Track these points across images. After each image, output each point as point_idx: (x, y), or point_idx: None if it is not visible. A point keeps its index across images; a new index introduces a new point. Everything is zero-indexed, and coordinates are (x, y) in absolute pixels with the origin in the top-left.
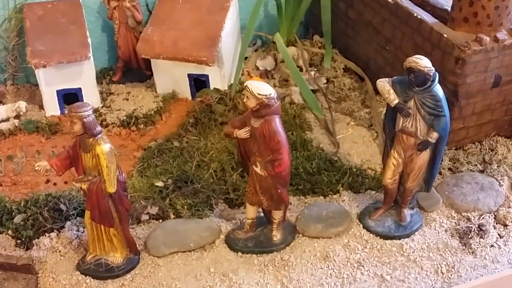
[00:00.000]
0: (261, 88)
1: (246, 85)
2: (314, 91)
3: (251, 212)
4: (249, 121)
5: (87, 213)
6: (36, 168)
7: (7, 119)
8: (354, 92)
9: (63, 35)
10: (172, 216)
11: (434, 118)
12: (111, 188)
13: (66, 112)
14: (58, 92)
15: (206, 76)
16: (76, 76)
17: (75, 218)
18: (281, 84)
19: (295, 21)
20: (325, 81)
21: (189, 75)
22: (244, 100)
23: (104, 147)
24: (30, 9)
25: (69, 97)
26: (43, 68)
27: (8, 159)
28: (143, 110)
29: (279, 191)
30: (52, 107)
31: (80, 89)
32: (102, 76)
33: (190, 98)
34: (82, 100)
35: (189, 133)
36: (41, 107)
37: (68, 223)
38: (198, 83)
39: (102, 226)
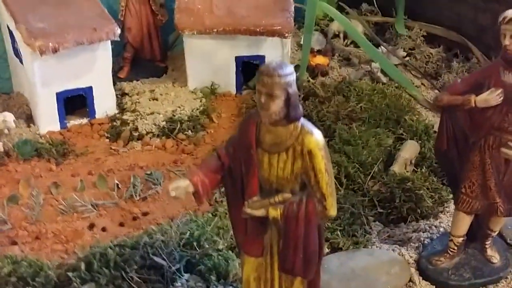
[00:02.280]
0: None
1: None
2: None
3: (465, 225)
4: (495, 79)
5: (251, 262)
6: (173, 195)
7: None
8: (449, 63)
9: (67, 7)
10: (326, 249)
11: None
12: (334, 209)
13: (68, 124)
14: (58, 95)
15: (262, 58)
16: (85, 69)
17: (181, 276)
18: (341, 64)
19: None
20: (404, 53)
21: (237, 58)
22: (506, 42)
23: (318, 136)
24: None
25: (70, 104)
26: (40, 58)
27: (11, 202)
28: (185, 111)
29: None
30: (49, 119)
31: (90, 88)
32: None
33: (234, 91)
34: (92, 106)
35: None
36: (28, 120)
37: (178, 285)
38: (246, 69)
39: (280, 279)
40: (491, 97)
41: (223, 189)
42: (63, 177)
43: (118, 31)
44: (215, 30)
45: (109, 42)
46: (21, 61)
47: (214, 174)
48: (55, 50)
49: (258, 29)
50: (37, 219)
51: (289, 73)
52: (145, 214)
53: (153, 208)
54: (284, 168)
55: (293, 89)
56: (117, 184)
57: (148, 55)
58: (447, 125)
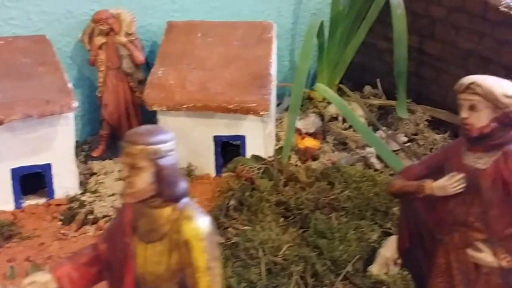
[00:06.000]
0: (506, 86)
1: (474, 82)
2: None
3: None
4: (457, 161)
5: None
6: None
7: None
8: None
9: (29, 80)
10: None
11: None
12: None
13: (24, 204)
14: (14, 172)
15: (242, 138)
16: (44, 145)
17: None
18: (337, 149)
19: (340, 68)
20: (404, 139)
21: (216, 138)
22: (464, 115)
23: (200, 223)
24: None
25: (27, 181)
26: None
27: None
28: None
29: None
30: (2, 197)
31: (49, 165)
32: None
33: (213, 174)
34: (51, 185)
35: (234, 221)
36: None
37: None
38: (225, 150)
39: None
40: (450, 183)
41: None
42: None
43: (75, 104)
44: (185, 106)
45: (70, 117)
46: None
47: (87, 268)
48: (0, 123)
49: (231, 106)
50: None
51: (160, 141)
52: None
53: None
54: (159, 262)
55: (168, 161)
56: None
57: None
58: (408, 218)
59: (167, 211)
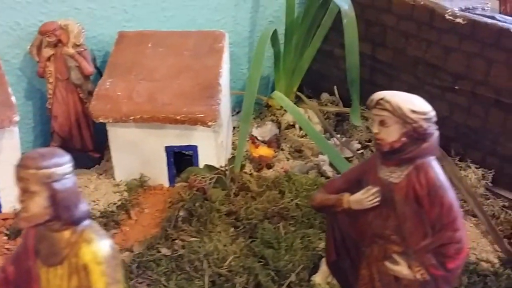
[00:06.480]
0: (415, 102)
1: (383, 98)
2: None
3: None
4: (373, 175)
5: None
6: None
7: None
8: None
9: None
10: None
11: None
12: None
13: None
14: None
15: (194, 148)
16: None
17: None
18: (293, 157)
19: (297, 76)
20: (358, 146)
21: (168, 149)
22: (375, 130)
23: (99, 246)
24: None
25: None
26: None
27: None
28: (99, 206)
29: None
30: None
31: None
32: None
33: (167, 184)
34: None
35: (183, 233)
36: None
37: None
38: (180, 160)
39: None
40: (365, 197)
41: None
42: None
43: (16, 118)
44: (132, 117)
45: (14, 131)
46: None
47: None
48: None
49: (178, 117)
50: None
51: (54, 165)
52: None
53: None
54: (60, 286)
55: (64, 184)
56: None
57: (79, 145)
58: (334, 231)
59: (66, 234)
